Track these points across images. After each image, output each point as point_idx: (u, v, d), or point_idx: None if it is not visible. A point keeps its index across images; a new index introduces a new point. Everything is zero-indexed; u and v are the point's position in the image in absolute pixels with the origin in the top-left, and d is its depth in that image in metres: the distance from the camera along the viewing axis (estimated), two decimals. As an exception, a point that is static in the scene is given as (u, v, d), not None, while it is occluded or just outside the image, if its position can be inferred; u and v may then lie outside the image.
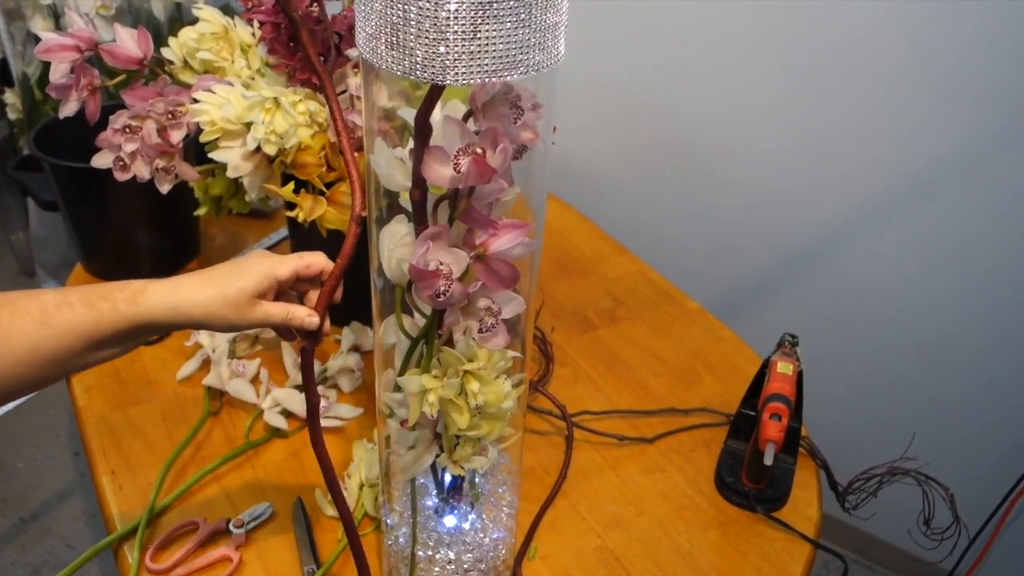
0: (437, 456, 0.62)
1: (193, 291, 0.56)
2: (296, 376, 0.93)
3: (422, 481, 0.68)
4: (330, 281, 0.60)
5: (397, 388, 0.60)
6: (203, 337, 0.96)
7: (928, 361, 1.31)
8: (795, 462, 0.86)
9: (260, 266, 0.58)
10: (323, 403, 0.88)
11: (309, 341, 0.60)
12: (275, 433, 0.87)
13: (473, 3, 0.43)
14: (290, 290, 0.62)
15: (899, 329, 1.32)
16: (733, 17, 1.26)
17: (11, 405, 0.92)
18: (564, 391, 0.96)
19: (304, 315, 0.59)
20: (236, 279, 0.57)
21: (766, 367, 0.86)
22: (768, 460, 0.77)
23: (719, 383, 0.99)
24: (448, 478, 0.67)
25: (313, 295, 0.62)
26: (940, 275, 1.25)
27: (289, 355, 0.95)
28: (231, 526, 0.76)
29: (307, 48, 0.61)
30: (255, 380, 0.93)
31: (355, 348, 0.96)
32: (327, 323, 0.61)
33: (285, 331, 0.61)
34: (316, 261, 0.61)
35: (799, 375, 0.84)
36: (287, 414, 0.89)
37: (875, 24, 1.15)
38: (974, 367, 1.28)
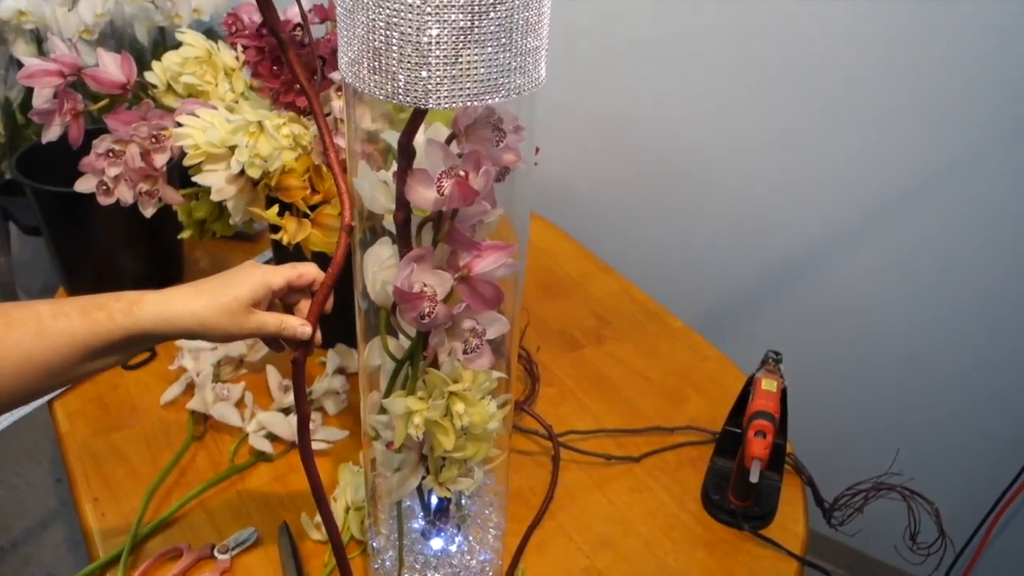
0: (423, 478, 0.62)
1: (188, 300, 0.56)
2: (281, 399, 0.92)
3: (408, 504, 0.68)
4: (321, 290, 0.60)
5: (382, 410, 0.60)
6: (187, 361, 0.96)
7: (911, 376, 1.32)
8: (781, 479, 0.87)
9: (254, 275, 0.59)
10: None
11: (301, 351, 0.60)
12: (260, 457, 0.87)
13: (454, 29, 0.43)
14: (279, 301, 0.62)
15: (882, 345, 1.33)
16: (715, 41, 1.28)
17: (-8, 432, 0.91)
18: (550, 411, 0.96)
19: (297, 324, 0.60)
20: (231, 288, 0.58)
21: (750, 384, 0.86)
22: (754, 477, 0.78)
23: (705, 401, 0.99)
24: (434, 500, 0.66)
25: (304, 305, 0.62)
26: (921, 291, 1.26)
27: (274, 378, 0.94)
28: (216, 552, 0.75)
29: (294, 67, 0.62)
30: (240, 404, 0.92)
31: (340, 370, 0.95)
32: (318, 334, 0.61)
33: (275, 342, 0.62)
34: (308, 271, 0.62)
35: (783, 392, 0.84)
36: (272, 437, 0.88)
37: (854, 49, 1.16)
38: (957, 382, 1.29)
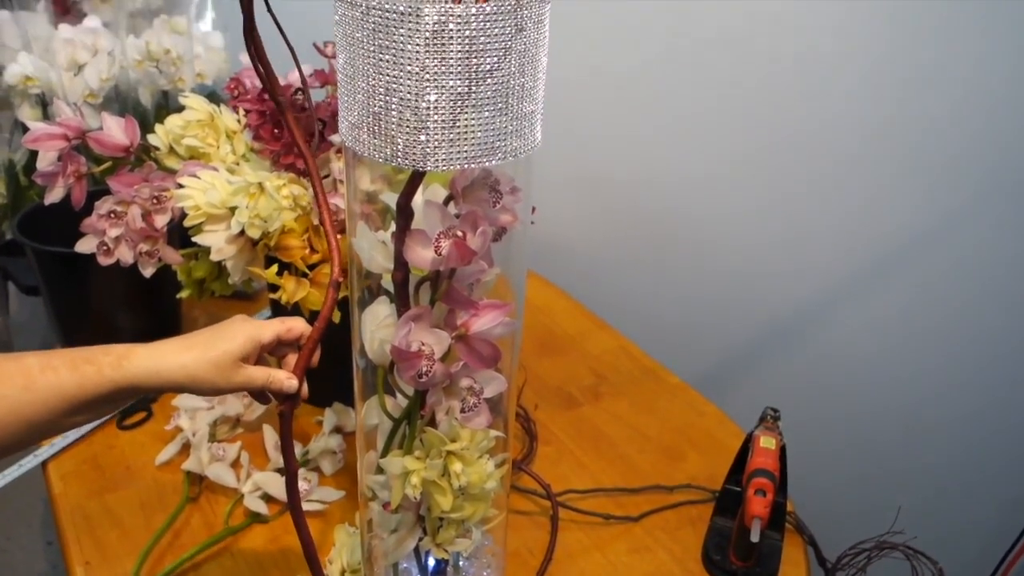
0: (420, 539, 0.61)
1: (177, 354, 0.57)
2: (277, 459, 0.91)
3: (405, 565, 0.67)
4: (308, 344, 0.61)
5: (379, 470, 0.60)
6: (183, 420, 0.95)
7: (912, 431, 1.32)
8: (782, 538, 0.86)
9: (244, 330, 0.59)
10: (304, 486, 0.87)
11: (288, 405, 0.61)
12: (255, 518, 0.86)
13: (452, 94, 0.45)
14: (268, 355, 0.63)
15: (881, 401, 1.33)
16: (708, 97, 1.31)
17: (-16, 494, 0.90)
18: (548, 470, 0.95)
19: (284, 378, 0.60)
20: (221, 342, 0.58)
21: (749, 442, 0.86)
22: (754, 537, 0.77)
23: (703, 459, 0.99)
24: (432, 562, 0.66)
25: (292, 359, 0.63)
26: (921, 346, 1.26)
27: (271, 437, 0.94)
28: (208, 617, 0.74)
29: (293, 131, 0.63)
30: (236, 464, 0.91)
31: (337, 430, 0.95)
32: (305, 387, 0.61)
33: (261, 395, 0.62)
34: (297, 325, 0.62)
35: (782, 449, 0.84)
36: (268, 498, 0.87)
37: (848, 104, 1.19)
38: (959, 437, 1.28)
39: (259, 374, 0.59)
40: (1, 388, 0.51)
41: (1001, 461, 1.26)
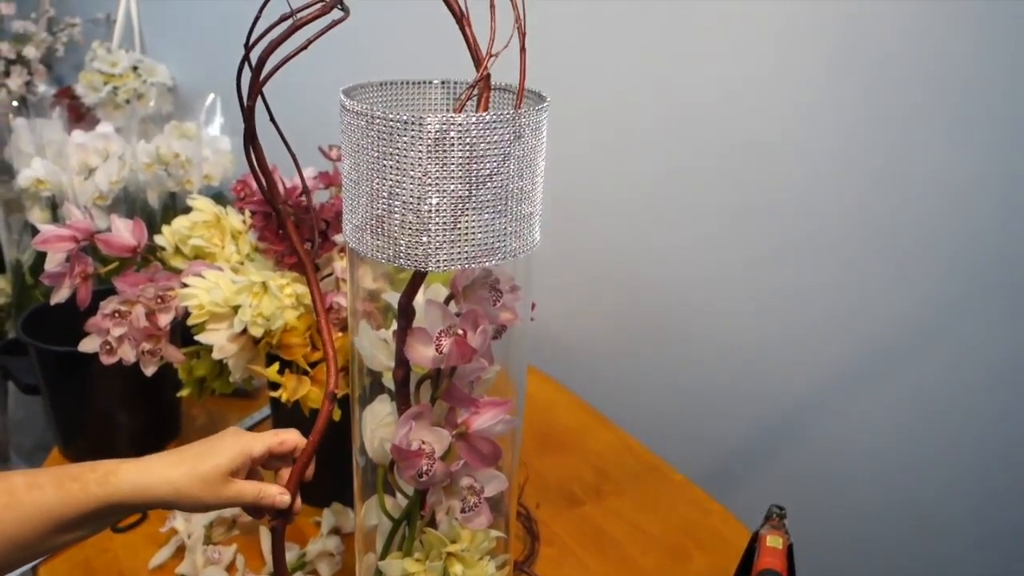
0: (419, 646, 0.59)
1: (165, 470, 0.56)
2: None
3: (404, 674, 0.65)
4: (302, 458, 0.60)
5: (379, 573, 0.59)
6: (179, 522, 0.94)
7: (922, 528, 1.29)
8: (793, 643, 0.83)
9: (235, 444, 0.59)
10: (301, 590, 0.85)
11: (280, 520, 0.59)
12: (249, 625, 0.83)
13: (453, 198, 0.46)
14: (261, 468, 0.62)
15: (890, 496, 1.30)
16: (707, 196, 1.34)
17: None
18: (551, 571, 0.93)
19: (276, 493, 0.59)
20: (210, 457, 0.57)
21: (755, 541, 0.84)
22: (764, 641, 0.74)
23: (709, 559, 0.96)
24: (431, 670, 0.63)
25: (285, 472, 0.62)
26: (927, 439, 1.25)
27: (267, 540, 0.92)
28: None
29: (291, 237, 0.65)
30: (231, 567, 0.89)
31: (335, 531, 0.93)
32: (298, 502, 0.60)
33: (254, 509, 0.61)
34: (290, 438, 0.61)
35: (790, 548, 0.82)
36: (263, 604, 0.85)
37: (848, 202, 1.21)
38: (969, 534, 1.25)
39: (249, 489, 0.58)
40: None
41: (1015, 558, 1.23)
